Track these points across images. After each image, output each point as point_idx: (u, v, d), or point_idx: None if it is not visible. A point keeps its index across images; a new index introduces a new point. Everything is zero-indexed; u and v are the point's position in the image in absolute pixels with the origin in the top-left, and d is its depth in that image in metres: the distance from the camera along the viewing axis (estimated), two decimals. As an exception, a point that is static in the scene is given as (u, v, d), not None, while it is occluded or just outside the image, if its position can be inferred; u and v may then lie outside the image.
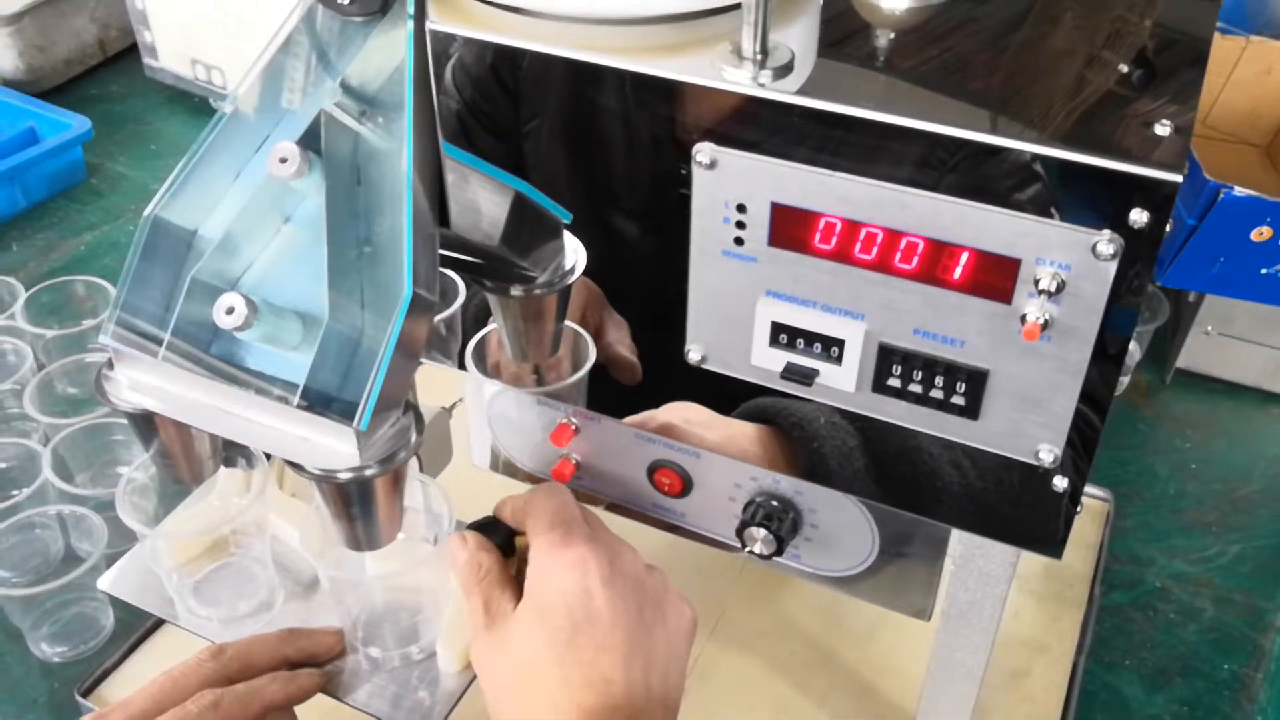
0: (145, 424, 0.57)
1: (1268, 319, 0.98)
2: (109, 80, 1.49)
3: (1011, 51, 0.52)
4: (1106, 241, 0.44)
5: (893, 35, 0.53)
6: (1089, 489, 0.90)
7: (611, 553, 0.58)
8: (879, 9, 0.54)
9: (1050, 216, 0.44)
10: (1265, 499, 0.93)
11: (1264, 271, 0.91)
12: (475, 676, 0.67)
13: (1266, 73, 1.10)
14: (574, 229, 0.56)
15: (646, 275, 0.56)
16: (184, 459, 0.59)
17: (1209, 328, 1.01)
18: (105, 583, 0.71)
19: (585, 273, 0.57)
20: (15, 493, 0.84)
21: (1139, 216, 0.43)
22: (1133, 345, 1.00)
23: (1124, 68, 0.50)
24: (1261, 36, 1.09)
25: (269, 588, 0.71)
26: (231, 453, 0.68)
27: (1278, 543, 0.89)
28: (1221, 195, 0.87)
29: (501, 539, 0.74)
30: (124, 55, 1.50)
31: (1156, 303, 1.01)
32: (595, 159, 0.53)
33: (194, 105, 1.42)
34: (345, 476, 0.52)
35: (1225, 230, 0.89)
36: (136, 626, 0.79)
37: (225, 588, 0.71)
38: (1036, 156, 0.43)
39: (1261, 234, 0.88)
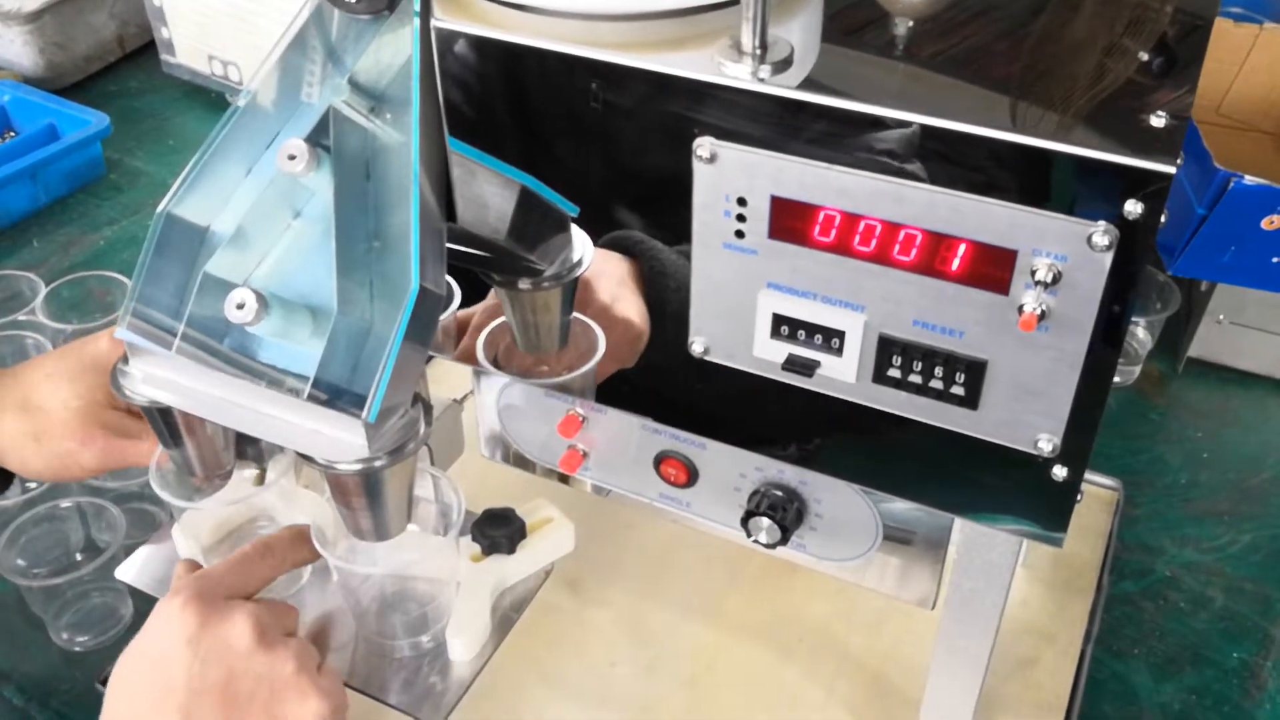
0: (161, 417, 0.58)
1: (1279, 307, 0.98)
2: (127, 77, 1.50)
3: (1008, 45, 0.52)
4: (1102, 233, 0.44)
5: (894, 30, 0.53)
6: (1098, 478, 0.90)
7: (215, 615, 0.56)
8: (882, 3, 0.54)
9: (1046, 208, 0.45)
10: (1277, 488, 0.93)
11: (1275, 260, 0.91)
12: (485, 664, 0.68)
13: (1280, 60, 1.10)
14: (579, 223, 0.57)
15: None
16: (199, 450, 0.60)
17: (1221, 317, 1.00)
18: (124, 572, 0.73)
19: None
20: (31, 485, 0.85)
21: (1134, 207, 0.43)
22: (1144, 334, 1.01)
23: (1121, 59, 0.51)
24: (1275, 24, 1.09)
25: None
26: (245, 446, 0.69)
27: (1289, 531, 0.90)
28: (1231, 184, 0.87)
29: (512, 531, 0.75)
30: (142, 52, 1.52)
31: (1168, 292, 1.01)
32: (598, 153, 0.53)
33: (211, 100, 1.43)
34: (355, 468, 0.53)
35: (1236, 219, 0.89)
36: (155, 615, 0.80)
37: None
38: (1031, 149, 0.44)
39: (1272, 222, 0.88)
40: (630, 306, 0.57)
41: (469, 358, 0.64)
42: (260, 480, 0.70)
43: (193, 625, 0.56)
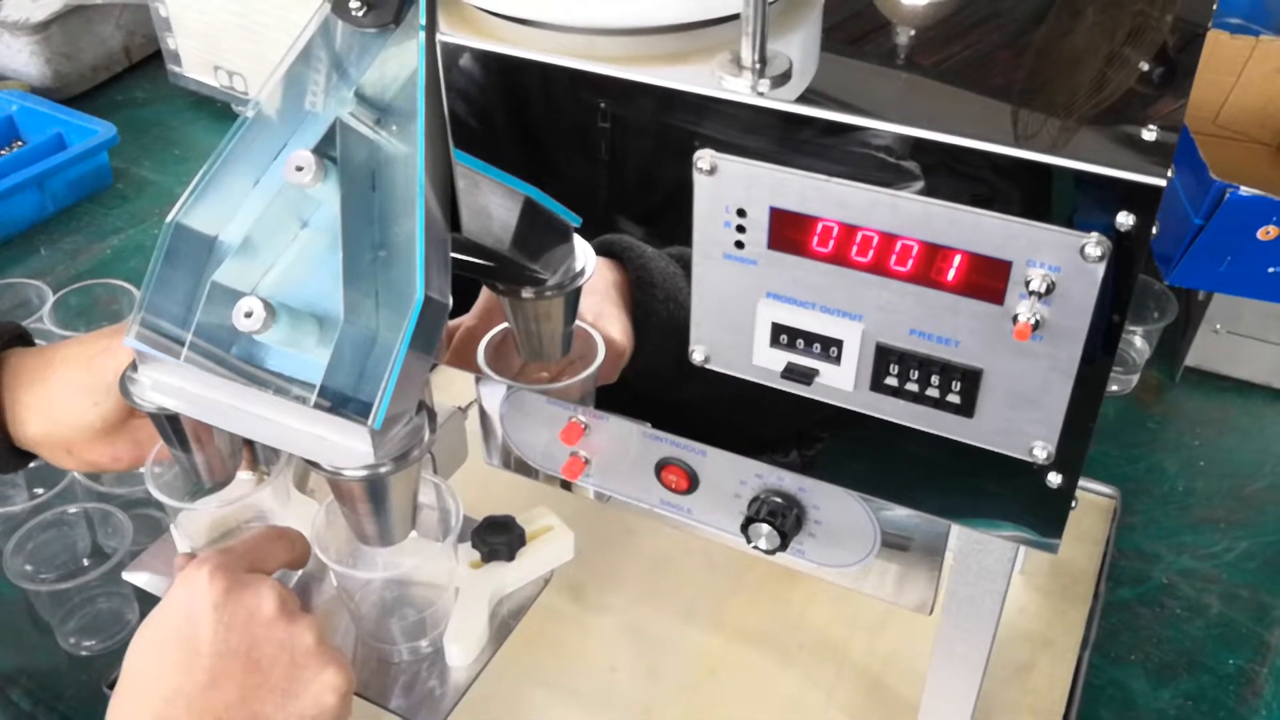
0: (169, 423, 0.59)
1: (1275, 317, 0.98)
2: (134, 87, 1.52)
3: (1000, 58, 0.53)
4: (1094, 244, 0.45)
5: (895, 39, 0.54)
6: (1096, 486, 0.91)
7: (239, 584, 0.58)
8: (881, 17, 0.55)
9: (1040, 220, 0.45)
10: (1273, 495, 0.94)
11: (1271, 270, 0.91)
12: (482, 669, 0.69)
13: (1277, 71, 1.11)
14: (582, 233, 0.58)
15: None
16: (205, 457, 0.61)
17: (1218, 326, 1.01)
18: (131, 574, 0.74)
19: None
20: (39, 490, 0.86)
21: (1125, 219, 0.44)
22: (1142, 343, 1.01)
23: (1118, 69, 0.52)
24: (1272, 35, 1.10)
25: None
26: (247, 448, 0.70)
27: (1285, 539, 0.90)
28: (1227, 195, 0.88)
29: (512, 538, 0.76)
30: (149, 62, 1.53)
31: (1166, 301, 1.02)
32: (600, 165, 0.54)
33: (217, 110, 1.44)
34: (360, 474, 0.54)
35: (1232, 229, 0.89)
36: (161, 620, 0.81)
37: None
38: (1025, 162, 0.45)
39: (1268, 233, 0.89)
40: (614, 324, 0.59)
41: (469, 365, 0.65)
42: (259, 482, 0.71)
43: (219, 592, 0.57)
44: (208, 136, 1.42)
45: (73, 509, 0.85)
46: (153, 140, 1.41)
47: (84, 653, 0.81)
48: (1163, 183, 0.43)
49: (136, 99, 1.50)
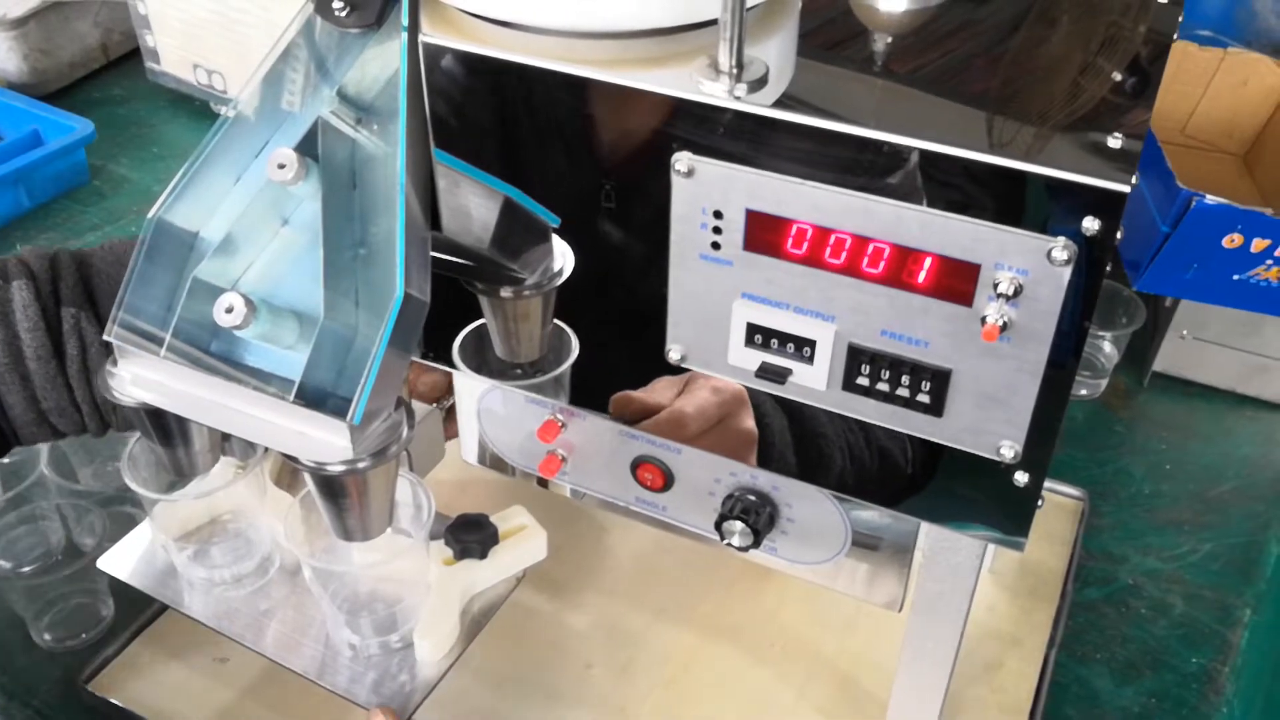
0: (148, 418, 0.59)
1: (1240, 324, 1.00)
2: (112, 84, 1.51)
3: (972, 66, 0.54)
4: (1061, 248, 0.46)
5: (871, 46, 0.55)
6: (1064, 488, 0.92)
7: None
8: (858, 24, 0.56)
9: (1008, 224, 0.47)
10: (1237, 498, 0.96)
11: (1235, 278, 0.93)
12: (452, 664, 0.70)
13: (1243, 84, 1.13)
14: (560, 233, 0.58)
15: (629, 277, 0.58)
16: (186, 451, 0.61)
17: (1184, 332, 1.03)
18: (105, 563, 0.74)
19: (572, 275, 0.59)
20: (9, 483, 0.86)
21: (1091, 224, 0.45)
22: (1110, 349, 1.03)
23: (1081, 81, 0.53)
24: (1238, 47, 1.12)
25: (263, 554, 0.74)
26: (229, 443, 0.70)
27: (1248, 541, 0.92)
28: (1194, 203, 0.89)
29: (485, 537, 0.76)
30: (127, 59, 1.53)
31: (1134, 307, 1.03)
32: (579, 166, 0.55)
33: (195, 109, 1.44)
34: (338, 469, 0.54)
35: (1198, 237, 0.91)
36: (135, 616, 0.81)
37: (223, 555, 0.74)
38: (994, 167, 0.46)
39: (1233, 241, 0.91)
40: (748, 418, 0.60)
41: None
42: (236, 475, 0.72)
43: None
44: (186, 134, 1.42)
45: (45, 504, 0.85)
46: (130, 138, 1.41)
47: (58, 649, 0.81)
48: (1127, 189, 0.44)
49: (114, 96, 1.49)
